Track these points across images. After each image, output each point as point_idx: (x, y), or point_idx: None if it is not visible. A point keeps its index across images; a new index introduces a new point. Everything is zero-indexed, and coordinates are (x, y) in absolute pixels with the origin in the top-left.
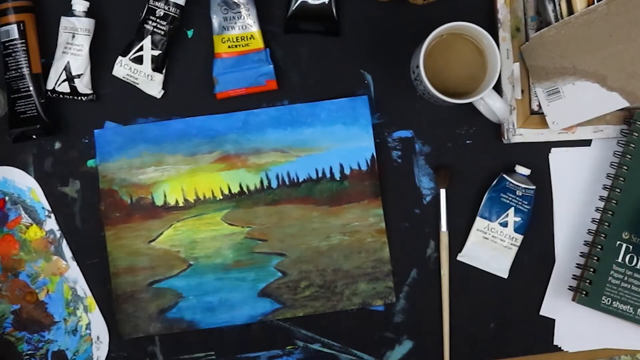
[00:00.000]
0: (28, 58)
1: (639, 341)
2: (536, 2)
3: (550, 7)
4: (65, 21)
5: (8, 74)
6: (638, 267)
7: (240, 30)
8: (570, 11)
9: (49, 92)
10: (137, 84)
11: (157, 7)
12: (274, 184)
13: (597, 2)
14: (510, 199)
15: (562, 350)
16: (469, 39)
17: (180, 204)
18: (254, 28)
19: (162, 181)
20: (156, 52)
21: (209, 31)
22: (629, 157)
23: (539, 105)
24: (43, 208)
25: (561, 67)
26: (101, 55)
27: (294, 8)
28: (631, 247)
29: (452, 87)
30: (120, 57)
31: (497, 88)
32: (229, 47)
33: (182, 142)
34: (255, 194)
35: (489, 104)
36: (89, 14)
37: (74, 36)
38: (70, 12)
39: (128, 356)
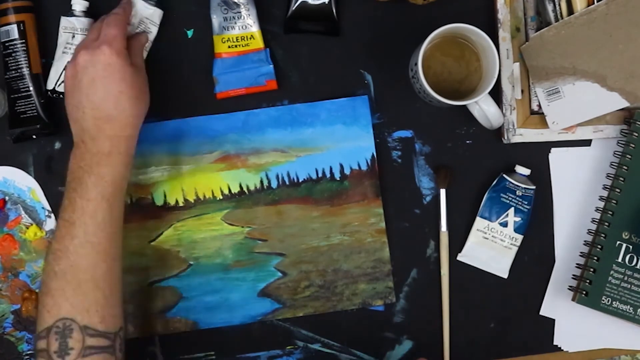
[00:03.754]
0: (28, 58)
1: (639, 341)
2: (536, 2)
3: (550, 7)
4: (65, 21)
5: (8, 74)
6: (638, 267)
7: (240, 30)
8: (570, 11)
9: (49, 92)
10: None
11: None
12: (274, 184)
13: (597, 2)
14: (510, 199)
15: (562, 350)
16: (469, 41)
17: (180, 204)
18: (254, 28)
19: (162, 181)
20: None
21: (209, 31)
22: (629, 157)
23: (539, 105)
24: (43, 208)
25: (561, 67)
26: None
27: (294, 8)
28: (631, 247)
29: (449, 88)
30: None
31: (497, 88)
32: (229, 47)
33: (182, 142)
34: (255, 194)
35: (484, 109)
36: (88, 14)
37: (73, 36)
38: (70, 12)
39: (128, 356)
